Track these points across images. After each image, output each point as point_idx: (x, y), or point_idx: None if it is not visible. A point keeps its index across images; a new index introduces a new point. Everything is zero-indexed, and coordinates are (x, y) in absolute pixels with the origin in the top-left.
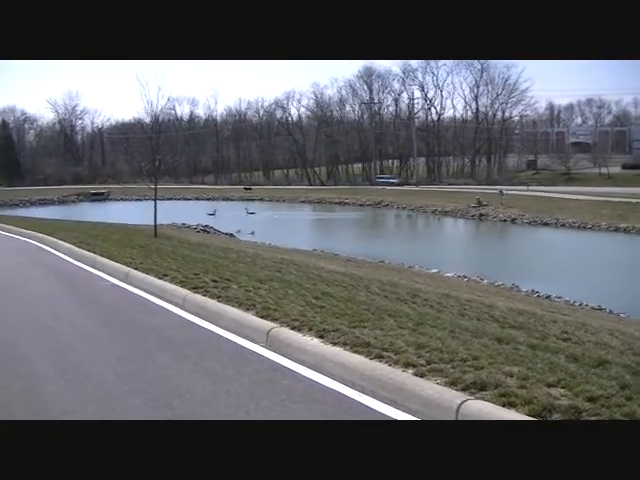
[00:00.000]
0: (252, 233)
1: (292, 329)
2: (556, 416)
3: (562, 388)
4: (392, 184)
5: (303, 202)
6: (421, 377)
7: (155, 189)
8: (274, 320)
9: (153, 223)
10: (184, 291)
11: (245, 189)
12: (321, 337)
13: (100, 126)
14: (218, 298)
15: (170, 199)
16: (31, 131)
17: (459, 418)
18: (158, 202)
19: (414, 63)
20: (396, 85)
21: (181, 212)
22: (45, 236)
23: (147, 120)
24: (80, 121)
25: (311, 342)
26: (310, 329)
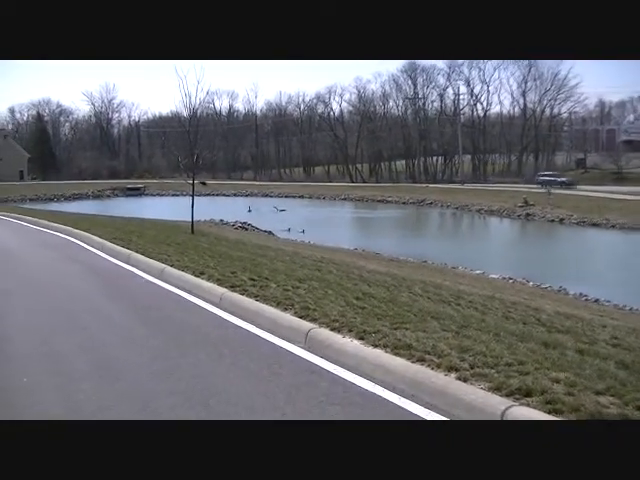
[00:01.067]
0: (302, 231)
1: (332, 330)
2: None
3: (611, 396)
4: (561, 184)
5: (344, 200)
6: (464, 381)
7: (193, 184)
8: (313, 320)
9: (190, 219)
10: (221, 289)
11: (201, 184)
12: (361, 339)
13: (137, 119)
14: (256, 297)
15: (208, 195)
16: (67, 124)
17: None
18: (195, 198)
19: None
20: (441, 80)
21: (219, 208)
22: (79, 231)
23: (185, 114)
24: (117, 114)
25: (351, 344)
26: (350, 330)
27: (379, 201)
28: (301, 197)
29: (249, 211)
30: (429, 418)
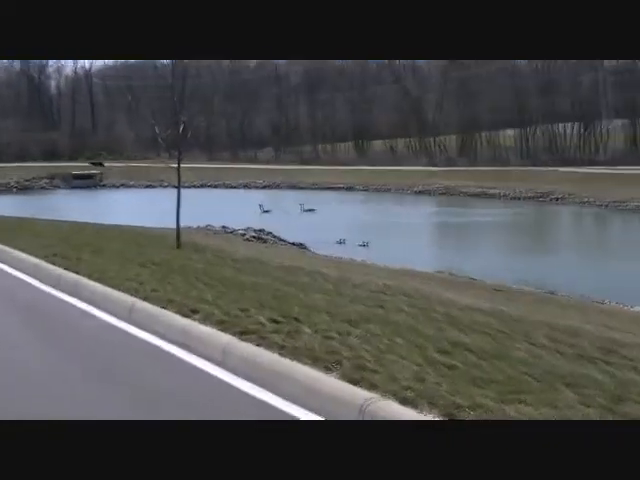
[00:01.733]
0: (364, 244)
1: (401, 403)
2: None
3: None
4: None
5: (419, 193)
6: None
7: (178, 170)
8: (372, 387)
9: (175, 225)
10: (225, 337)
11: (94, 164)
12: (452, 417)
13: (88, 67)
14: (281, 349)
15: (203, 186)
16: None
17: None
18: (185, 191)
19: None
20: None
21: (221, 207)
22: None
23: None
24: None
25: None
26: (432, 403)
27: (474, 195)
28: (349, 189)
29: (263, 212)
30: None
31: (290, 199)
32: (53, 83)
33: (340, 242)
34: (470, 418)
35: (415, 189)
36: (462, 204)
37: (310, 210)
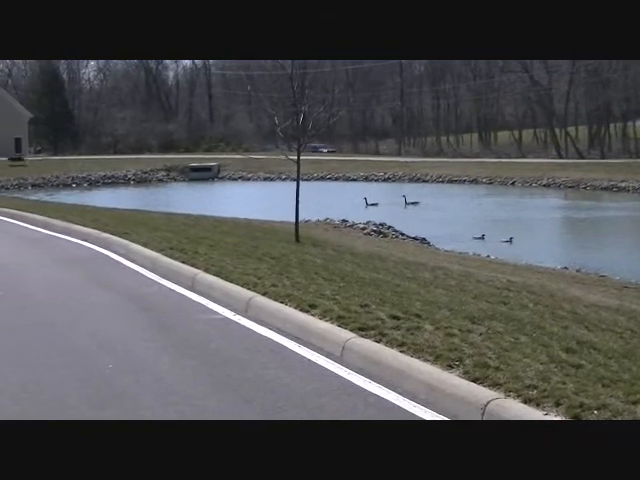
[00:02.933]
0: (509, 240)
1: (525, 402)
2: None
3: None
4: None
5: (547, 186)
6: None
7: (298, 162)
8: (494, 386)
9: (294, 219)
10: (343, 333)
11: (11, 160)
12: (576, 418)
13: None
14: (400, 346)
15: (322, 178)
16: (89, 65)
17: None
18: (305, 184)
19: None
20: None
21: (341, 200)
22: (113, 237)
23: None
24: None
25: None
26: (558, 403)
27: (604, 189)
28: (473, 182)
29: (369, 205)
30: None
31: (405, 192)
32: (171, 74)
33: (479, 237)
34: (596, 419)
35: (541, 182)
36: (591, 198)
37: (413, 203)
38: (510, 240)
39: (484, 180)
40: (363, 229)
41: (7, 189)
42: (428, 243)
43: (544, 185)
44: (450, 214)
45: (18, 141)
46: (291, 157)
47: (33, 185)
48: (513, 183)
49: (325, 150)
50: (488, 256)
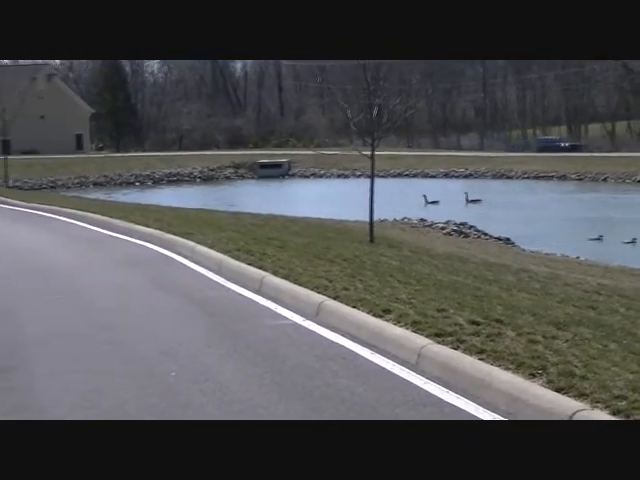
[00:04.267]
0: (632, 241)
1: (614, 414)
2: None
3: None
4: None
5: None
6: None
7: (372, 158)
8: (580, 396)
9: (368, 219)
10: (419, 339)
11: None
12: None
13: None
14: (479, 354)
15: (399, 175)
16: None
17: None
18: (380, 181)
19: None
20: None
21: (418, 198)
22: (177, 238)
23: None
24: None
25: None
26: None
27: None
28: (561, 178)
29: (428, 203)
30: None
31: (497, 189)
32: (239, 66)
33: (596, 239)
34: None
35: (636, 178)
36: None
37: (475, 201)
38: (634, 241)
39: (573, 176)
40: (443, 229)
41: (68, 187)
42: (512, 243)
43: (639, 181)
44: (531, 212)
45: (79, 137)
46: (365, 153)
47: (95, 184)
48: (605, 179)
49: (566, 145)
50: (577, 257)
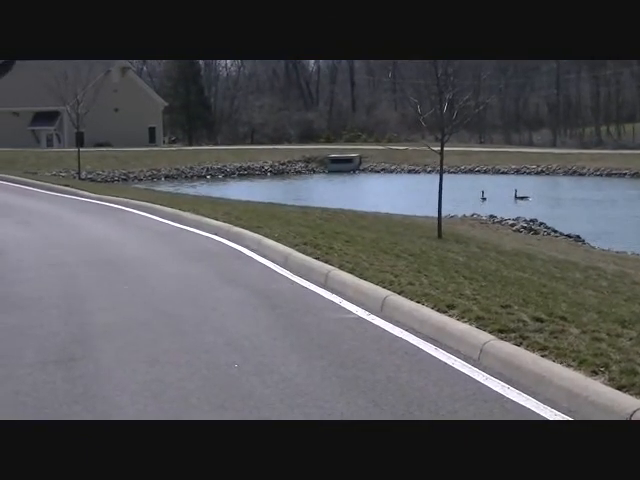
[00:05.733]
0: None
1: None
2: None
3: None
4: None
5: None
6: None
7: (441, 154)
8: None
9: (437, 214)
10: (482, 335)
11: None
12: None
13: None
14: (541, 350)
15: (470, 171)
16: None
17: None
18: (451, 177)
19: None
20: None
21: (489, 194)
22: (245, 231)
23: None
24: None
25: None
26: None
27: None
28: (635, 175)
29: (483, 199)
30: None
31: (559, 185)
32: (312, 60)
33: None
34: None
35: None
36: None
37: (523, 198)
38: None
39: (622, 173)
40: (512, 225)
41: (140, 180)
42: (582, 241)
43: None
44: (601, 210)
45: (152, 130)
46: (434, 149)
47: (166, 176)
48: None
49: None
50: None
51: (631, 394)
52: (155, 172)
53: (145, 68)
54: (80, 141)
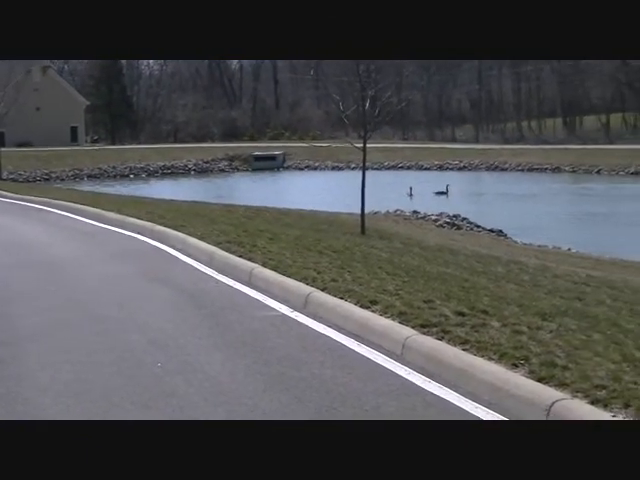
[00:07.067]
0: None
1: (593, 403)
2: None
3: None
4: None
5: (635, 174)
6: None
7: (364, 151)
8: (561, 386)
9: (360, 211)
10: (404, 330)
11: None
12: None
13: None
14: (463, 344)
15: (394, 167)
16: None
17: None
18: (374, 173)
19: None
20: None
21: (413, 191)
22: (169, 230)
23: None
24: None
25: None
26: (627, 404)
27: None
28: (555, 170)
29: (411, 195)
30: None
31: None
32: (234, 60)
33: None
34: None
35: (629, 170)
36: None
37: (441, 193)
38: None
39: (567, 168)
40: (435, 221)
41: (62, 180)
42: (505, 235)
43: (632, 173)
44: (523, 205)
45: (74, 130)
46: (357, 145)
47: (89, 176)
48: (598, 171)
49: None
50: (569, 249)
51: (551, 386)
52: (78, 172)
53: (66, 67)
54: (1, 141)
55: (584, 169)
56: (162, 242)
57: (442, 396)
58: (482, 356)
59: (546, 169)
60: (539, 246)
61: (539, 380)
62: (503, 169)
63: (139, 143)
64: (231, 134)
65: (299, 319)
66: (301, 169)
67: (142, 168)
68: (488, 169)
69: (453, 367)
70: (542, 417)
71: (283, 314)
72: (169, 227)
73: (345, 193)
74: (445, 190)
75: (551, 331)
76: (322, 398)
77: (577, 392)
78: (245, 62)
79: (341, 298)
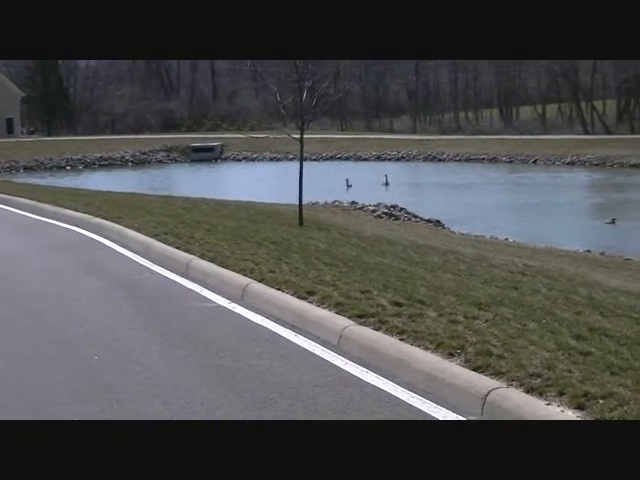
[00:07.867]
0: (612, 222)
1: (527, 391)
2: None
3: None
4: None
5: (570, 164)
6: None
7: (301, 141)
8: (496, 375)
9: (298, 201)
10: (341, 321)
11: None
12: (580, 408)
13: None
14: (400, 334)
15: (332, 158)
16: None
17: None
18: (312, 164)
19: None
20: None
21: (352, 181)
22: (106, 222)
23: None
24: None
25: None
26: (561, 392)
27: (635, 166)
28: (492, 160)
29: (349, 186)
30: None
31: (417, 170)
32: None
33: (610, 222)
34: (601, 408)
35: (565, 160)
36: (623, 177)
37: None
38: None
39: (504, 158)
40: (374, 211)
41: None
42: (443, 226)
43: (568, 163)
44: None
45: (10, 121)
46: (294, 136)
47: (25, 168)
48: (535, 161)
49: None
50: (506, 239)
51: (486, 375)
52: (13, 163)
53: None
54: None
55: (521, 159)
56: (99, 234)
57: (379, 386)
58: (419, 346)
59: (483, 159)
60: (476, 236)
61: (475, 369)
62: (441, 159)
63: (76, 135)
64: (169, 125)
65: (236, 310)
66: (239, 160)
67: (79, 160)
68: (426, 159)
69: (390, 357)
70: (478, 406)
71: (220, 305)
72: (106, 219)
73: (283, 184)
74: (386, 181)
75: (487, 320)
76: (259, 389)
77: (512, 381)
78: None
79: (278, 289)
